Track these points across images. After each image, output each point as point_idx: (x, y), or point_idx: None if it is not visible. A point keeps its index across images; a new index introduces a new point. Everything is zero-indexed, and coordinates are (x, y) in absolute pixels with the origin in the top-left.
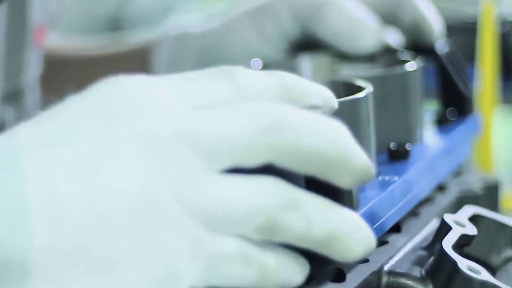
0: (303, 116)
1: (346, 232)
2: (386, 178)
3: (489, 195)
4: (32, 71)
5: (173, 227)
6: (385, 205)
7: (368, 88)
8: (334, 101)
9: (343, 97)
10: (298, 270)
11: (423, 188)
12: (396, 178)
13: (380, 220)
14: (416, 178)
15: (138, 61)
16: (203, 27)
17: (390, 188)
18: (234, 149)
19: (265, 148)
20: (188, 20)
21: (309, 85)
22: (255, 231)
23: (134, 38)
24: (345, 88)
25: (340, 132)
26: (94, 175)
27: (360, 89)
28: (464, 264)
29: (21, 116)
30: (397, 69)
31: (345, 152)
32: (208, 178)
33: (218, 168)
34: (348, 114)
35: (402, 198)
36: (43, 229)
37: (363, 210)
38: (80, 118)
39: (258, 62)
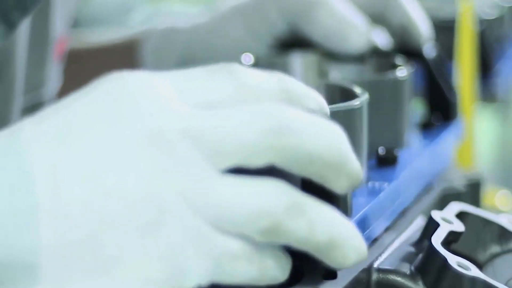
0: (306, 119)
1: (345, 239)
2: (376, 184)
3: (472, 192)
4: (52, 83)
5: (179, 225)
6: (376, 212)
7: (364, 96)
8: (327, 107)
9: (338, 101)
10: (285, 268)
11: (411, 193)
12: (386, 184)
13: (371, 227)
14: (405, 185)
15: (125, 55)
16: (190, 22)
17: (381, 195)
18: (238, 149)
19: (269, 149)
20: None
21: (306, 89)
22: (259, 233)
23: (94, 36)
24: (340, 93)
25: (340, 136)
26: (99, 175)
27: (355, 95)
28: (454, 261)
29: None
30: (389, 75)
31: (344, 157)
32: (213, 178)
33: (222, 167)
34: (342, 121)
35: (392, 204)
36: (49, 230)
37: (356, 217)
38: (83, 116)
39: (249, 57)
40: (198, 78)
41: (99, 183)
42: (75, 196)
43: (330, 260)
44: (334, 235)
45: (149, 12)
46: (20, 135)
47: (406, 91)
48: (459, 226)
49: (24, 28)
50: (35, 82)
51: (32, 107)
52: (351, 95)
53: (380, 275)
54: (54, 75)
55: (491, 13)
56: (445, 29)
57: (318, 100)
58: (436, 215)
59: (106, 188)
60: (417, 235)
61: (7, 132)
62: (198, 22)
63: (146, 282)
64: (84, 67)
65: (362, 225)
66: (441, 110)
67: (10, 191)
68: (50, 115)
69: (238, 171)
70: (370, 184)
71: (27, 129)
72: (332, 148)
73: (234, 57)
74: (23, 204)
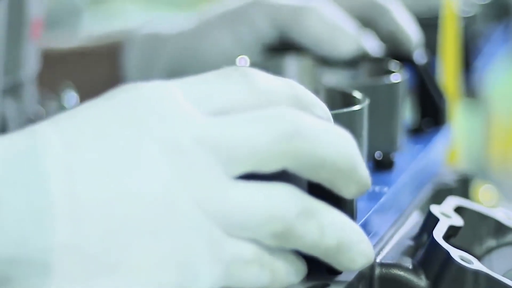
0: (319, 125)
1: (353, 243)
2: (376, 189)
3: (462, 188)
4: (31, 65)
5: (193, 230)
6: (378, 216)
7: (365, 101)
8: (331, 117)
9: (338, 105)
10: (300, 272)
11: (409, 197)
12: (385, 189)
13: (373, 231)
14: (403, 189)
15: (108, 57)
16: (176, 28)
17: (382, 199)
18: (252, 155)
19: (283, 155)
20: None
21: (314, 97)
22: (271, 237)
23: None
24: (340, 97)
25: (352, 143)
26: (115, 177)
27: (355, 100)
28: (456, 254)
29: (22, 109)
30: (384, 80)
31: (354, 163)
32: (227, 184)
33: (236, 173)
34: (344, 125)
35: (392, 208)
36: (65, 229)
37: (360, 221)
38: (101, 120)
39: (244, 60)
40: (211, 83)
41: (114, 185)
42: (90, 197)
43: (338, 263)
44: (343, 239)
45: (100, 16)
46: (37, 135)
47: (400, 96)
48: (458, 221)
49: (1, 10)
50: (13, 63)
51: (12, 89)
52: (351, 99)
53: (383, 269)
54: (32, 57)
55: (467, 11)
56: (424, 26)
57: (324, 108)
58: (435, 209)
59: (121, 191)
60: (415, 230)
61: (24, 132)
62: (184, 29)
63: (157, 286)
64: (65, 69)
65: (366, 229)
66: (431, 115)
67: (26, 190)
68: (67, 117)
69: (247, 174)
70: (370, 188)
71: (43, 129)
72: (344, 155)
73: (222, 65)
74: (38, 203)
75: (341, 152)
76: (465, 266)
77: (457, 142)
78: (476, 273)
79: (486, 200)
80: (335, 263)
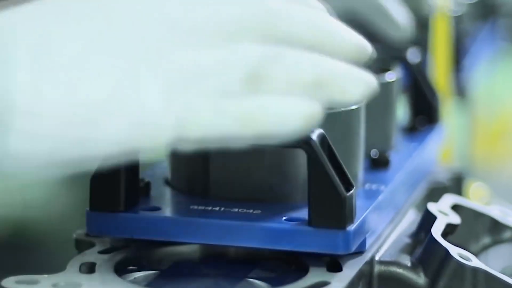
0: (289, 5)
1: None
2: (373, 187)
3: (456, 186)
4: None
5: None
6: (376, 214)
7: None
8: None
9: None
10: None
11: (405, 195)
12: (382, 187)
13: (371, 228)
14: (400, 187)
15: None
16: None
17: (380, 197)
18: (219, 29)
19: (251, 30)
20: None
21: None
22: (240, 83)
23: None
24: None
25: (322, 15)
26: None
27: None
28: (455, 252)
29: None
30: (379, 78)
31: (330, 31)
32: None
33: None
34: (340, 124)
35: (389, 206)
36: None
37: (360, 219)
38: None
39: None
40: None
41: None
42: (56, 61)
43: (330, 98)
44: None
45: None
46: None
47: (395, 94)
48: (455, 218)
49: None
50: None
51: None
52: None
53: (382, 267)
54: None
55: (455, 10)
56: (415, 25)
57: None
58: (433, 207)
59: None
60: (412, 227)
61: None
62: None
63: None
64: None
65: (364, 227)
66: (425, 114)
67: None
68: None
69: None
70: (367, 186)
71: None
72: (314, 26)
73: None
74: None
75: (310, 25)
76: (464, 263)
77: (449, 140)
78: (475, 270)
79: (477, 198)
80: (328, 98)
